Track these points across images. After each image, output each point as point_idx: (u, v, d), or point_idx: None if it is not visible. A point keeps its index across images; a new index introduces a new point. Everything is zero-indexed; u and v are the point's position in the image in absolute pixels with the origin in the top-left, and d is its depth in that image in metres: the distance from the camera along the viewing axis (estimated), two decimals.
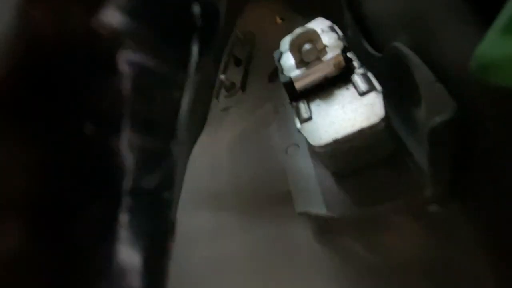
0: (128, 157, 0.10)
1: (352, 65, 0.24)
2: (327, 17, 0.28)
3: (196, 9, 0.12)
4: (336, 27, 0.27)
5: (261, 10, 0.48)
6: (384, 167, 0.22)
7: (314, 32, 0.24)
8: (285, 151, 0.29)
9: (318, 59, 0.24)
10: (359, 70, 0.24)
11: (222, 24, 0.13)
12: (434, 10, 0.17)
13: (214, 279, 0.28)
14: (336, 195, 0.23)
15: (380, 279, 0.21)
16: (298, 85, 0.25)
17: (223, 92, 0.43)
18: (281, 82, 0.25)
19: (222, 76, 0.43)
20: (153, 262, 0.11)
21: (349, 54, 0.24)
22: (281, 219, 0.27)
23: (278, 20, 0.46)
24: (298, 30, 0.24)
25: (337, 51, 0.23)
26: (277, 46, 0.29)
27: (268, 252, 0.27)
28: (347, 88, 0.23)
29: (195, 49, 0.12)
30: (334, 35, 0.25)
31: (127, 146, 0.10)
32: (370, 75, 0.23)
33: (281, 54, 0.27)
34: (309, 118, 0.23)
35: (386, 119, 0.20)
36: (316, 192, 0.24)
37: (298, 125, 0.23)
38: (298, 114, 0.24)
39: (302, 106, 0.24)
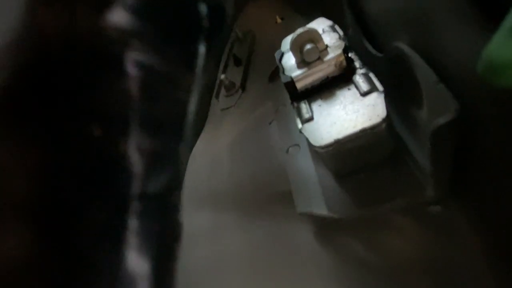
0: (136, 160, 0.10)
1: (354, 65, 0.24)
2: (328, 16, 0.28)
3: (203, 9, 0.12)
4: (337, 27, 0.27)
5: (261, 9, 0.48)
6: (385, 167, 0.22)
7: (315, 32, 0.24)
8: (286, 151, 0.29)
9: (320, 59, 0.24)
10: (360, 70, 0.24)
11: (228, 24, 0.13)
12: (436, 9, 0.17)
13: (214, 279, 0.28)
14: (337, 195, 0.23)
15: (380, 278, 0.21)
16: (299, 85, 0.24)
17: (223, 91, 0.43)
18: (282, 82, 0.25)
19: (222, 76, 0.42)
20: (161, 267, 0.11)
21: (350, 54, 0.24)
22: (281, 219, 0.27)
23: (278, 20, 0.45)
24: (299, 30, 0.24)
25: (339, 51, 0.23)
26: (277, 45, 0.29)
27: (268, 252, 0.27)
28: (349, 88, 0.23)
29: (201, 49, 0.12)
30: (335, 35, 0.25)
31: (135, 148, 0.10)
32: (371, 75, 0.23)
33: (282, 54, 0.27)
34: (311, 119, 0.23)
35: (387, 119, 0.20)
36: (317, 192, 0.24)
37: (300, 125, 0.23)
38: (300, 114, 0.24)
39: (304, 106, 0.24)
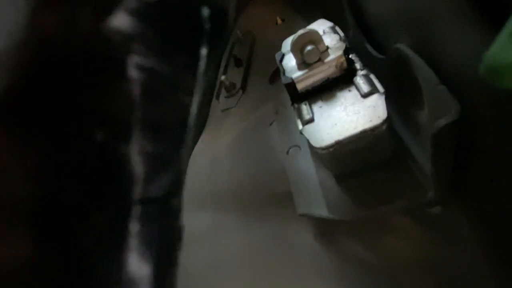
0: (138, 164, 0.10)
1: (354, 66, 0.24)
2: (328, 18, 0.28)
3: (205, 12, 0.12)
4: (337, 28, 0.27)
5: (261, 10, 0.48)
6: (385, 168, 0.22)
7: (316, 33, 0.24)
8: (287, 152, 0.29)
9: (320, 60, 0.24)
10: (361, 72, 0.24)
11: (230, 27, 0.13)
12: (436, 11, 0.17)
13: (214, 279, 0.28)
14: (338, 196, 0.23)
15: (381, 279, 0.21)
16: (300, 87, 0.24)
17: (223, 92, 0.43)
18: (283, 83, 0.25)
19: (222, 77, 0.42)
20: (163, 272, 0.11)
21: (351, 56, 0.24)
22: (281, 220, 0.27)
23: (279, 21, 0.46)
24: (300, 31, 0.24)
25: (339, 53, 0.23)
26: (277, 46, 0.29)
27: (268, 252, 0.27)
28: (349, 90, 0.23)
29: (203, 52, 0.12)
30: (336, 37, 0.25)
31: (137, 152, 0.10)
32: (372, 76, 0.23)
33: (283, 55, 0.27)
34: (311, 120, 0.23)
35: (388, 120, 0.20)
36: (317, 193, 0.24)
37: (300, 126, 0.23)
38: (300, 115, 0.24)
39: (304, 107, 0.24)
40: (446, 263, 0.20)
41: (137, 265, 0.10)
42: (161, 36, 0.11)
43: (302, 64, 0.24)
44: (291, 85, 0.24)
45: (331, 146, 0.21)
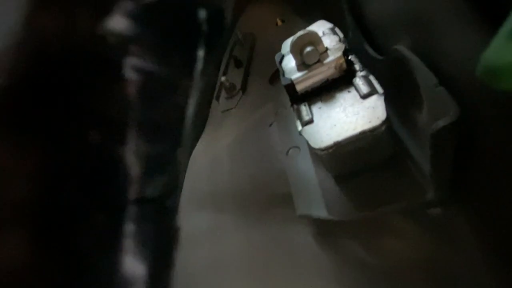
0: (133, 165, 0.10)
1: (354, 67, 0.24)
2: (328, 19, 0.28)
3: (202, 14, 0.12)
4: (337, 30, 0.27)
5: (262, 11, 0.48)
6: (385, 169, 0.23)
7: (315, 35, 0.24)
8: (286, 153, 0.29)
9: (320, 61, 0.24)
10: (360, 73, 0.24)
11: (227, 28, 0.13)
12: (435, 12, 0.17)
13: (213, 280, 0.28)
14: (337, 197, 0.23)
15: (380, 280, 0.21)
16: (299, 88, 0.25)
17: (223, 93, 0.43)
18: (282, 84, 0.25)
19: (222, 78, 0.42)
20: (158, 272, 0.11)
21: (350, 57, 0.24)
22: (281, 221, 0.27)
23: (279, 22, 0.46)
24: (299, 33, 0.24)
25: (339, 54, 0.24)
26: (277, 48, 0.29)
27: (268, 253, 0.27)
28: (349, 91, 0.23)
29: (200, 54, 0.12)
30: (335, 38, 0.25)
31: (133, 153, 0.10)
32: (371, 77, 0.23)
33: (282, 56, 0.27)
34: (311, 121, 0.23)
35: (387, 121, 0.21)
36: (317, 194, 0.24)
37: (300, 127, 0.23)
38: (300, 116, 0.24)
39: (304, 108, 0.24)
40: (446, 263, 0.20)
41: (133, 265, 0.10)
42: (158, 38, 0.11)
43: (302, 65, 0.24)
44: (290, 86, 0.24)
45: (330, 147, 0.21)
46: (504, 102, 0.13)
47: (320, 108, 0.24)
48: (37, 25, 0.09)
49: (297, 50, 0.24)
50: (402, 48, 0.19)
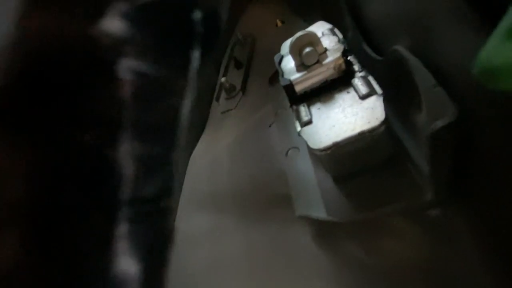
0: (127, 166, 0.10)
1: (353, 68, 0.24)
2: (328, 20, 0.29)
3: (197, 15, 0.12)
4: (336, 30, 0.27)
5: (262, 12, 0.48)
6: (384, 170, 0.22)
7: (314, 35, 0.24)
8: (285, 153, 0.29)
9: (319, 62, 0.24)
10: (359, 74, 0.24)
11: (223, 30, 0.13)
12: (434, 13, 0.17)
13: (213, 280, 0.28)
14: (336, 198, 0.23)
15: (379, 281, 0.21)
16: (298, 88, 0.25)
17: (223, 94, 0.43)
18: (281, 85, 0.25)
19: (222, 79, 0.43)
20: (152, 271, 0.11)
21: (349, 57, 0.24)
22: (280, 221, 0.27)
23: (279, 23, 0.46)
24: (298, 34, 0.24)
25: (338, 54, 0.24)
26: (277, 48, 0.29)
27: (267, 254, 0.27)
28: (348, 92, 0.24)
29: (196, 55, 0.12)
30: (334, 38, 0.25)
31: (126, 154, 0.10)
32: (370, 78, 0.23)
33: (281, 57, 0.27)
34: (310, 122, 0.23)
35: (386, 122, 0.21)
36: (316, 195, 0.24)
37: (299, 128, 0.23)
38: (299, 117, 0.24)
39: (303, 109, 0.24)
40: (445, 264, 0.20)
41: (127, 265, 0.10)
42: (153, 39, 0.11)
43: (301, 66, 0.24)
44: (289, 87, 0.25)
45: (329, 147, 0.21)
46: (503, 103, 0.13)
47: (319, 108, 0.24)
48: (32, 26, 0.09)
49: (296, 51, 0.24)
50: (401, 49, 0.19)
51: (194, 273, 0.29)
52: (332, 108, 0.23)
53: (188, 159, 0.39)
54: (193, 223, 0.33)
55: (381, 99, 0.22)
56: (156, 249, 0.11)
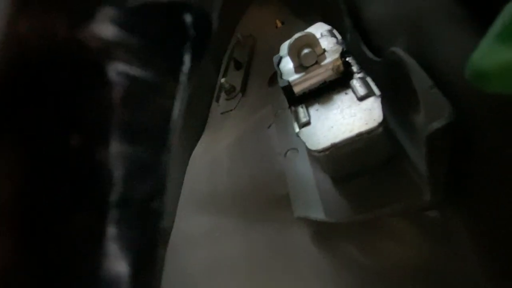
0: (116, 168, 0.10)
1: (351, 69, 0.24)
2: (327, 21, 0.29)
3: (188, 18, 0.12)
4: (335, 32, 0.27)
5: (261, 13, 0.48)
6: (382, 171, 0.22)
7: (312, 37, 0.24)
8: (284, 154, 0.29)
9: (317, 63, 0.24)
10: (358, 75, 0.24)
11: (215, 32, 0.13)
12: (432, 15, 0.17)
13: (212, 281, 0.28)
14: (335, 199, 0.23)
15: (377, 282, 0.21)
16: (296, 90, 0.25)
17: (223, 95, 0.44)
18: (280, 86, 0.25)
19: (222, 80, 0.43)
20: (142, 274, 0.11)
21: (348, 59, 0.25)
22: (279, 222, 0.27)
23: (279, 24, 0.46)
24: (297, 35, 0.24)
25: (336, 56, 0.24)
26: (277, 49, 0.29)
27: (266, 255, 0.27)
28: (346, 93, 0.24)
29: (187, 57, 0.12)
30: (333, 40, 0.25)
31: (115, 156, 0.10)
32: (369, 79, 0.23)
33: (280, 58, 0.27)
34: (308, 123, 0.23)
35: (384, 123, 0.21)
36: (314, 196, 0.24)
37: (297, 129, 0.24)
38: (297, 118, 0.24)
39: (301, 110, 0.24)
40: (443, 265, 0.20)
41: (118, 265, 0.10)
42: (143, 42, 0.11)
43: (299, 67, 0.25)
44: (288, 88, 0.25)
45: (327, 148, 0.21)
46: (500, 104, 0.13)
47: (317, 110, 0.24)
48: (15, 31, 0.09)
49: (294, 52, 0.24)
50: (399, 51, 0.19)
51: (193, 273, 0.29)
52: (331, 109, 0.23)
53: (187, 160, 0.39)
54: (193, 223, 0.33)
55: (379, 100, 0.22)
56: (147, 251, 0.12)
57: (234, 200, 0.32)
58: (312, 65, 0.24)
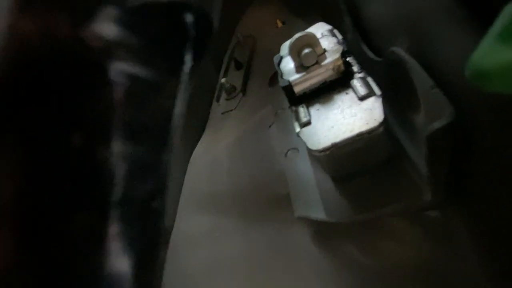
0: (118, 167, 0.11)
1: (352, 69, 0.24)
2: (328, 21, 0.29)
3: (188, 18, 0.12)
4: (336, 31, 0.27)
5: (262, 13, 0.48)
6: (383, 171, 0.23)
7: (313, 37, 0.24)
8: (285, 154, 0.29)
9: (317, 63, 0.24)
10: (358, 75, 0.24)
11: (216, 31, 0.13)
12: (432, 15, 0.17)
13: (212, 281, 0.28)
14: (335, 199, 0.23)
15: (378, 282, 0.21)
16: (297, 89, 0.25)
17: (223, 95, 0.44)
18: (281, 86, 0.25)
19: (223, 80, 0.43)
20: (144, 272, 0.11)
21: (348, 59, 0.25)
22: (279, 222, 0.27)
23: (279, 24, 0.46)
24: (297, 35, 0.24)
25: (336, 55, 0.24)
26: (278, 49, 0.29)
27: (266, 255, 0.27)
28: (347, 93, 0.24)
29: (188, 57, 0.12)
30: (333, 39, 0.25)
31: (117, 155, 0.11)
32: (369, 79, 0.23)
33: (281, 58, 0.27)
34: (308, 123, 0.23)
35: (384, 123, 0.21)
36: (315, 196, 0.24)
37: (297, 129, 0.24)
38: (298, 118, 0.24)
39: (302, 110, 0.24)
40: (443, 265, 0.20)
41: (117, 264, 0.10)
42: (143, 41, 0.11)
43: (300, 67, 0.25)
44: (288, 88, 0.25)
45: (328, 148, 0.21)
46: (501, 104, 0.13)
47: (318, 109, 0.24)
48: (18, 30, 0.10)
49: (295, 52, 0.24)
50: (399, 50, 0.19)
51: (194, 273, 0.29)
52: (331, 109, 0.23)
53: (188, 160, 0.39)
54: (193, 223, 0.33)
55: (379, 100, 0.22)
56: (149, 250, 0.12)
57: (235, 200, 0.32)
58: (312, 65, 0.24)
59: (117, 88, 0.10)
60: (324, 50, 0.24)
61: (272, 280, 0.25)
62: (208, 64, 0.45)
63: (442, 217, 0.21)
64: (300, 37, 0.24)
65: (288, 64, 0.26)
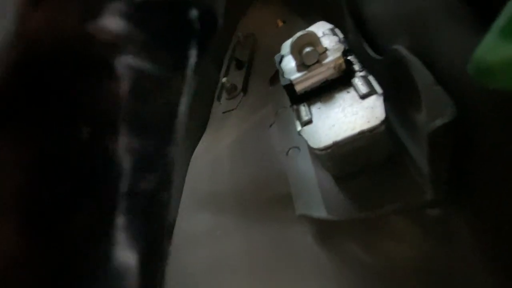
0: (124, 160, 0.11)
1: (353, 68, 0.24)
2: (329, 20, 0.29)
3: (194, 14, 0.12)
4: (337, 30, 0.27)
5: (263, 13, 0.48)
6: (384, 169, 0.23)
7: (314, 35, 0.24)
8: (286, 153, 0.29)
9: (319, 62, 0.24)
10: (360, 73, 0.24)
11: (220, 27, 0.13)
12: (433, 12, 0.17)
13: (213, 280, 0.28)
14: (337, 197, 0.23)
15: (379, 281, 0.21)
16: (298, 88, 0.25)
17: (224, 94, 0.44)
18: (282, 85, 0.25)
19: (224, 79, 0.43)
20: (150, 264, 0.11)
21: (350, 57, 0.25)
22: (281, 221, 0.27)
23: (280, 23, 0.46)
24: (298, 33, 0.24)
25: (338, 54, 0.24)
26: (278, 48, 0.29)
27: (268, 254, 0.27)
28: (348, 91, 0.24)
29: (193, 52, 0.12)
30: (334, 38, 0.25)
31: (124, 148, 0.11)
32: (370, 78, 0.23)
33: (282, 57, 0.27)
34: (310, 121, 0.23)
35: (386, 121, 0.21)
36: (316, 194, 0.24)
37: (299, 127, 0.24)
38: (299, 117, 0.24)
39: (303, 109, 0.24)
40: (444, 264, 0.20)
41: (124, 257, 0.10)
42: (149, 36, 0.11)
43: (301, 65, 0.25)
44: (289, 87, 0.25)
45: (329, 147, 0.21)
46: (502, 101, 0.13)
47: (319, 108, 0.24)
48: (27, 25, 0.10)
49: (296, 51, 0.24)
50: (401, 48, 0.19)
51: (194, 272, 0.29)
52: (332, 108, 0.23)
53: (189, 158, 0.39)
54: (194, 222, 0.33)
55: (381, 98, 0.22)
56: (154, 242, 0.12)
57: (235, 199, 0.32)
58: (313, 64, 0.24)
59: (123, 81, 0.11)
60: (325, 49, 0.24)
61: (273, 279, 0.25)
62: (209, 63, 0.45)
63: (443, 216, 0.21)
64: (301, 35, 0.24)
65: (289, 63, 0.26)
